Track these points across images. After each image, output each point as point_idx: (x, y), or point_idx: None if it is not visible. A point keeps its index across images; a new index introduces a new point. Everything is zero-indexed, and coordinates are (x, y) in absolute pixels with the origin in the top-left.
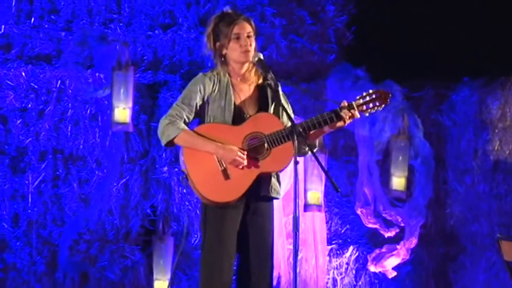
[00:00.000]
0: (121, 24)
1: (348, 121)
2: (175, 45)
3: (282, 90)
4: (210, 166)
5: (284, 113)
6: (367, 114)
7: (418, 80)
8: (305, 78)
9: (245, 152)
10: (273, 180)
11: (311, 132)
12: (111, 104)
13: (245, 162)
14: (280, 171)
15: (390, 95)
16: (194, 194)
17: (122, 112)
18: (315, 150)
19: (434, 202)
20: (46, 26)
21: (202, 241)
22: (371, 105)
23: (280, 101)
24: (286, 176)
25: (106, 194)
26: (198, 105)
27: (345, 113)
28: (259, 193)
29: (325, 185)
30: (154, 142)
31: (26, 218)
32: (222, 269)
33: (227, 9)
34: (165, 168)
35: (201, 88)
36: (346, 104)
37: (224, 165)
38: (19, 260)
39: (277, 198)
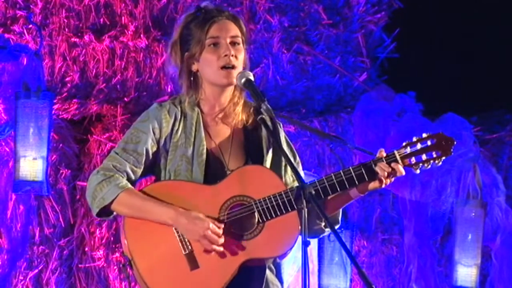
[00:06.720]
0: (30, 26)
1: (387, 181)
2: (116, 59)
3: (284, 130)
4: (167, 246)
5: (288, 167)
6: (417, 171)
7: (497, 112)
8: (320, 110)
9: (222, 225)
10: (269, 274)
11: (330, 198)
12: (15, 152)
13: (222, 241)
14: (280, 257)
15: (455, 142)
16: None
17: (32, 164)
18: (336, 227)
19: None
20: None
21: None
22: (424, 156)
23: (282, 147)
24: (288, 263)
25: None
26: (150, 153)
27: (382, 168)
28: None
29: (351, 280)
30: (83, 212)
31: None
32: None
33: (207, 4)
34: (100, 253)
35: (155, 127)
36: (385, 154)
37: (190, 246)
38: None
39: None
